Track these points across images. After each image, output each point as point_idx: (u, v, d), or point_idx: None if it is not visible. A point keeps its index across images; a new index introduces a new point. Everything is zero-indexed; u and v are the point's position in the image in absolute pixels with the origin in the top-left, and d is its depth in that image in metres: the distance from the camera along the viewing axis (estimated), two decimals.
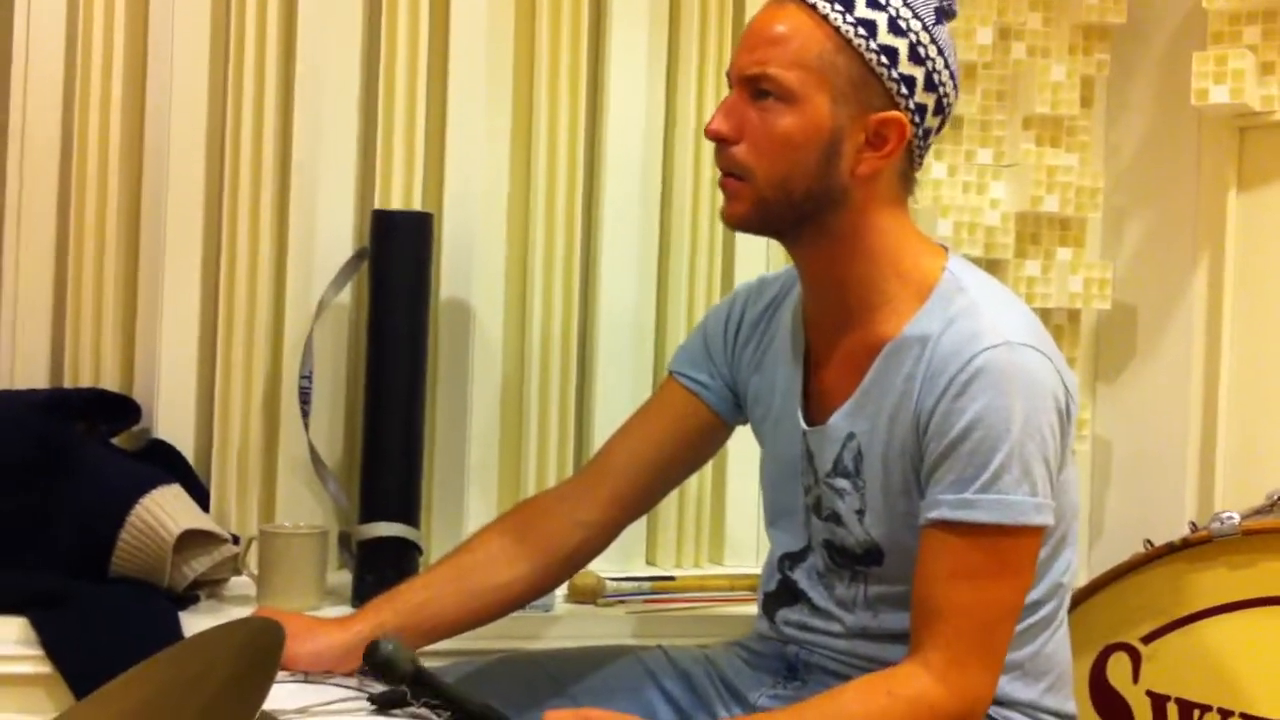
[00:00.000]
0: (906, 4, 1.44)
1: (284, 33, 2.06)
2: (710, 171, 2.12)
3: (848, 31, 1.42)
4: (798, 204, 1.45)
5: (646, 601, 2.02)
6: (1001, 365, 1.38)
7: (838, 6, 1.42)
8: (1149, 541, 1.87)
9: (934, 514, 1.40)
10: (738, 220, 1.50)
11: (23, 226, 2.07)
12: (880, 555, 1.49)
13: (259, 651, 1.19)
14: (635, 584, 2.05)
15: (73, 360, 2.07)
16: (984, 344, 1.39)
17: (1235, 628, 1.78)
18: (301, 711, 1.30)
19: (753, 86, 1.45)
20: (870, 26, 1.42)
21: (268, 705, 1.18)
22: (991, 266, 2.26)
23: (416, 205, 2.08)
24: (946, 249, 1.53)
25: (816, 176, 1.44)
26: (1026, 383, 1.39)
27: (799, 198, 1.45)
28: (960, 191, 2.27)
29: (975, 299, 1.44)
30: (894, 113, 1.44)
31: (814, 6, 1.43)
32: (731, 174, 1.47)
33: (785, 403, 1.58)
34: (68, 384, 2.06)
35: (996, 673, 1.41)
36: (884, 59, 1.42)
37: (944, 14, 1.48)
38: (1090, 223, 2.33)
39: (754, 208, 1.47)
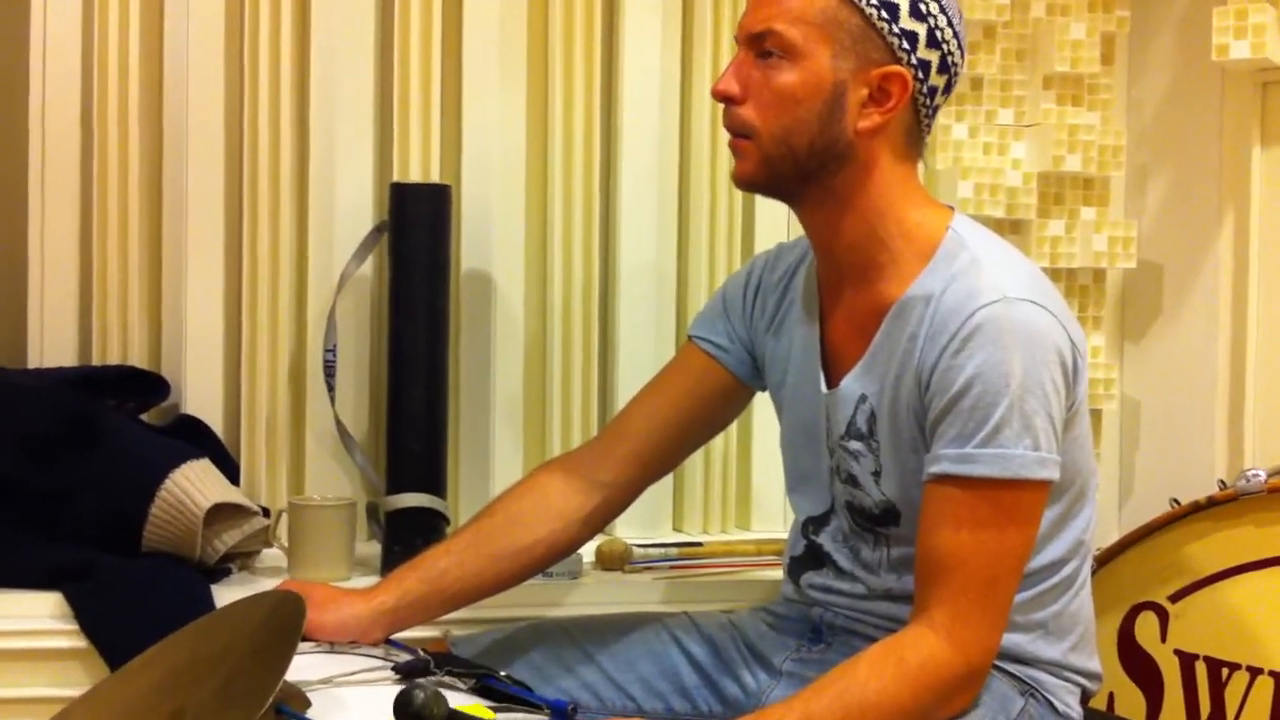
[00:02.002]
0: None
1: (299, 7, 2.06)
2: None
3: None
4: (802, 161, 1.46)
5: (673, 568, 2.03)
6: (999, 320, 1.38)
7: None
8: (1175, 500, 1.87)
9: (936, 469, 1.40)
10: (745, 180, 1.51)
11: (47, 207, 2.09)
12: (897, 515, 1.50)
13: (281, 624, 1.21)
14: (662, 550, 2.06)
15: (100, 339, 2.09)
16: (982, 300, 1.40)
17: (1262, 585, 1.78)
18: (326, 681, 1.31)
19: (758, 45, 1.46)
20: None
21: (294, 676, 1.19)
22: (1014, 227, 2.25)
23: (435, 177, 2.08)
24: (953, 208, 1.53)
25: (819, 131, 1.44)
26: (1025, 337, 1.39)
27: (803, 154, 1.45)
28: (981, 153, 2.26)
29: (977, 256, 1.44)
30: (896, 67, 1.44)
31: None
32: (738, 134, 1.48)
33: (804, 367, 1.58)
34: (96, 362, 2.08)
35: (1001, 628, 1.40)
36: (885, 13, 1.43)
37: None
38: (1113, 181, 2.32)
39: (760, 166, 1.48)
